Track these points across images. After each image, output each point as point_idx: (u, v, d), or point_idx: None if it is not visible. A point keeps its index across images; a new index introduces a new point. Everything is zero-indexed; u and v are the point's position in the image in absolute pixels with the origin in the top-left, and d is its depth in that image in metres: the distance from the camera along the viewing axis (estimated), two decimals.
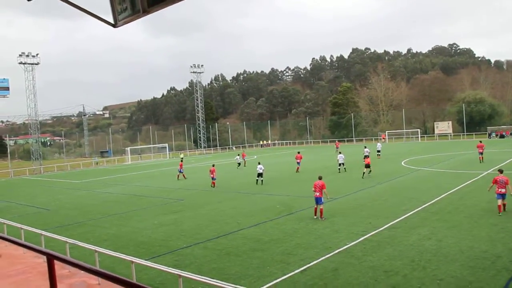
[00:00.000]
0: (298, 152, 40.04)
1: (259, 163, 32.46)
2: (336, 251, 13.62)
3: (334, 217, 18.55)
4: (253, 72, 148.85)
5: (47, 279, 3.33)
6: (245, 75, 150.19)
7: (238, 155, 46.10)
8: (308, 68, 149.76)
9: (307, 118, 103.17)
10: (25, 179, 55.22)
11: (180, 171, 38.50)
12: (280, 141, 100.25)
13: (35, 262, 12.56)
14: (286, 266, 12.54)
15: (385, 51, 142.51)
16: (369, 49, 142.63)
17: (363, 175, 30.20)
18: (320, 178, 19.37)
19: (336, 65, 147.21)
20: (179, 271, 10.96)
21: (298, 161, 37.98)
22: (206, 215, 21.16)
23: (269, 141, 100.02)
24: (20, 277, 10.84)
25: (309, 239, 15.47)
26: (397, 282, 10.76)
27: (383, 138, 78.90)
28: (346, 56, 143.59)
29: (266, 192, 26.91)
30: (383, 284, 10.72)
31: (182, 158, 66.00)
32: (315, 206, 18.89)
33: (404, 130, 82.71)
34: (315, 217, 18.64)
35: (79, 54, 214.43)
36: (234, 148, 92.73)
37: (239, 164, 44.64)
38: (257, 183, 31.15)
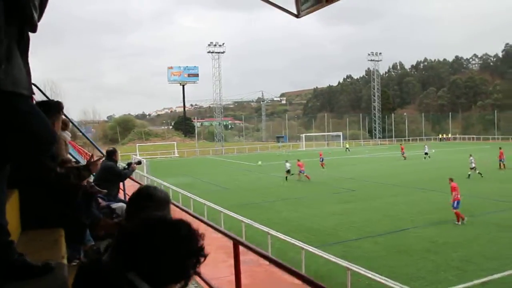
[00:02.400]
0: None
1: (286, 161, 33.73)
2: None
3: None
4: (434, 60, 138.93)
5: (225, 252, 3.71)
6: (426, 63, 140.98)
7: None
8: (500, 55, 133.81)
9: (495, 111, 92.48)
10: (208, 159, 60.96)
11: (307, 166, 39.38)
12: (461, 136, 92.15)
13: (213, 237, 13.86)
14: (463, 274, 11.63)
15: None
16: None
17: None
18: None
19: None
20: (348, 263, 11.00)
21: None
22: (378, 208, 20.72)
23: (450, 135, 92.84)
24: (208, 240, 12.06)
25: (492, 248, 14.05)
26: None
27: None
28: None
29: (446, 190, 25.13)
30: None
31: (347, 148, 65.52)
32: None
33: None
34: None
35: (259, 43, 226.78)
36: (410, 140, 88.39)
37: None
38: (286, 179, 32.02)
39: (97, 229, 3.51)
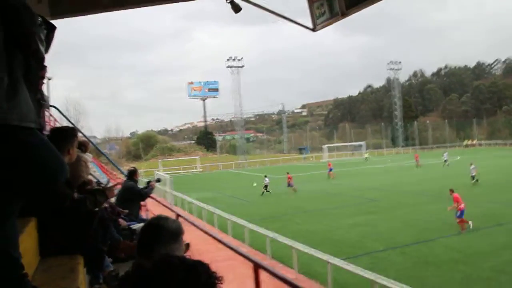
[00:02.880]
0: None
1: (265, 176, 33.52)
2: None
3: None
4: (455, 66, 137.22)
5: (249, 267, 3.65)
6: (447, 69, 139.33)
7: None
8: None
9: None
10: (231, 172, 61.06)
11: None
12: (487, 141, 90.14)
13: (238, 250, 13.78)
14: (496, 285, 11.29)
15: None
16: None
17: None
18: None
19: None
20: (375, 275, 10.80)
21: None
22: (401, 218, 20.36)
23: (475, 141, 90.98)
24: (226, 263, 12.02)
25: None
26: None
27: None
28: None
29: (473, 198, 24.58)
30: None
31: (366, 158, 64.89)
32: None
33: None
34: None
35: (276, 55, 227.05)
36: (434, 147, 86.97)
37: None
38: (262, 194, 32.17)
39: (117, 251, 3.51)
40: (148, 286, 1.28)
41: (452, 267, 13.03)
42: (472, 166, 30.17)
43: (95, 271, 3.18)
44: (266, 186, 32.70)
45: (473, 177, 29.80)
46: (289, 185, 33.01)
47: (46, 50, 1.86)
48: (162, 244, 1.77)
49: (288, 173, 34.60)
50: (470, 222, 17.27)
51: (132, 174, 7.94)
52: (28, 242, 2.50)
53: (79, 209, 2.90)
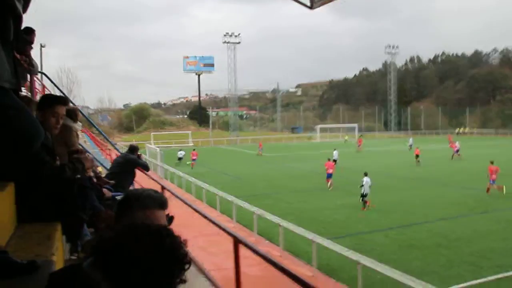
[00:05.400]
0: None
1: (180, 150, 40.71)
2: None
3: None
4: (452, 54, 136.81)
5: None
6: (443, 57, 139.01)
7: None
8: None
9: None
10: (222, 149, 61.02)
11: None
12: (479, 130, 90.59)
13: (226, 225, 13.86)
14: (477, 270, 11.46)
15: None
16: None
17: None
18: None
19: None
20: (359, 255, 10.92)
21: None
22: (389, 202, 20.51)
23: (467, 129, 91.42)
24: (213, 237, 12.05)
25: (508, 244, 13.80)
26: None
27: None
28: None
29: (461, 185, 24.82)
30: None
31: (346, 140, 64.95)
32: None
33: None
34: None
35: (273, 34, 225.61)
36: (426, 133, 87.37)
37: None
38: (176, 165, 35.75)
39: (98, 221, 3.46)
40: (110, 254, 1.24)
41: (435, 251, 13.19)
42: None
43: (74, 239, 3.14)
44: (180, 159, 38.25)
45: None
46: (193, 160, 37.06)
47: (24, 9, 1.77)
48: (138, 212, 1.72)
49: (194, 149, 39.43)
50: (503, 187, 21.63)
51: (133, 149, 8.11)
52: (4, 207, 2.44)
53: (58, 176, 2.84)
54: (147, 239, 1.27)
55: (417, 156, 35.44)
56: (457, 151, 39.11)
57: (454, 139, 48.16)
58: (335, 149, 35.90)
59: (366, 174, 20.31)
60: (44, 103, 3.26)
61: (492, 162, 22.89)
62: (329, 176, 25.58)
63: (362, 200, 19.53)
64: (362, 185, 19.73)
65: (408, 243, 14.13)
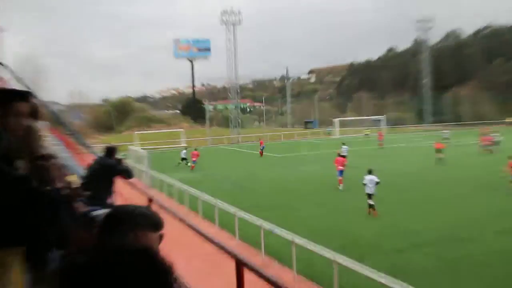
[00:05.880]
0: None
1: (186, 148, 43.71)
2: None
3: None
4: (501, 26, 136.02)
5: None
6: (488, 30, 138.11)
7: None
8: None
9: None
10: (222, 149, 61.16)
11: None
12: None
13: (227, 244, 13.81)
14: None
15: None
16: None
17: None
18: None
19: None
20: (394, 280, 10.78)
21: None
22: (425, 211, 20.43)
23: None
24: (212, 257, 12.06)
25: None
26: None
27: None
28: None
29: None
30: None
31: (367, 134, 65.53)
32: None
33: None
34: None
35: (280, 13, 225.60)
36: (468, 125, 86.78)
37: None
38: (178, 165, 40.14)
39: (69, 243, 3.42)
40: (81, 285, 1.22)
41: None
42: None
43: (38, 266, 3.10)
44: (184, 159, 40.45)
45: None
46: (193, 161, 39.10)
47: None
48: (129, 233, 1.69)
49: (196, 149, 42.83)
50: None
51: (110, 152, 8.14)
52: None
53: (19, 189, 2.81)
54: (130, 268, 1.26)
55: (438, 150, 34.95)
56: (490, 144, 39.32)
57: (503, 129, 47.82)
58: (343, 144, 36.82)
59: (370, 172, 20.63)
60: (0, 99, 3.23)
61: None
62: (341, 173, 26.48)
63: (369, 199, 19.93)
64: (365, 184, 20.21)
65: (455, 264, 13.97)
